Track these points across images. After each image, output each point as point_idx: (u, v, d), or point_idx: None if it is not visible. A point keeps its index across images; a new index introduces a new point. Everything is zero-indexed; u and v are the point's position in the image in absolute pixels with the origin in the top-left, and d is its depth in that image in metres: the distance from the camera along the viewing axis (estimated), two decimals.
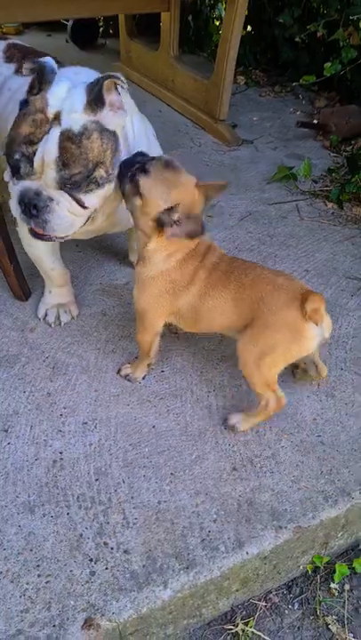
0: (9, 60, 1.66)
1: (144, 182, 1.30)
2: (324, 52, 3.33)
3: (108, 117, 1.31)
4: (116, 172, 1.36)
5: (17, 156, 1.28)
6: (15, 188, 1.33)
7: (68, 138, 1.26)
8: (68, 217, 1.33)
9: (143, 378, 1.60)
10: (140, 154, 1.37)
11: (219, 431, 1.47)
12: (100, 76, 1.28)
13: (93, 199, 1.34)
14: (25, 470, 1.36)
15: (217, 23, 4.15)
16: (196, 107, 3.07)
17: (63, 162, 1.26)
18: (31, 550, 1.21)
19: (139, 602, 1.14)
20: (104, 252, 2.11)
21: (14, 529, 1.24)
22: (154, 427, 1.48)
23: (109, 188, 1.36)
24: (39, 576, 1.17)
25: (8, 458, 1.38)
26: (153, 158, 1.34)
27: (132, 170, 1.32)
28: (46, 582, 1.16)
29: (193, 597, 1.20)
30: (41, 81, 1.30)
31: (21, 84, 1.58)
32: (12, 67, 1.64)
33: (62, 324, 1.77)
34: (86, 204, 1.33)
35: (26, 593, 1.14)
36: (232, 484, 1.35)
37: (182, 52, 3.35)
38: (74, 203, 1.32)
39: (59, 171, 1.27)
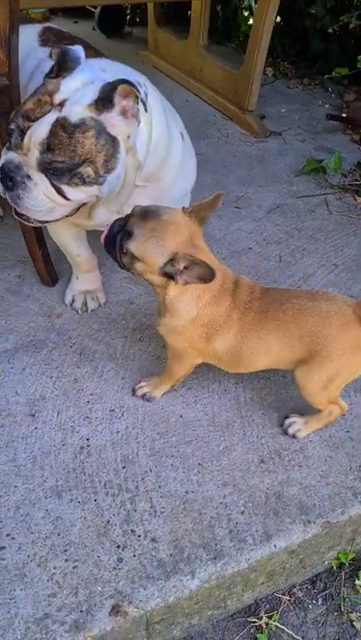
0: (44, 43, 1.65)
1: (134, 247, 1.22)
2: (355, 45, 3.28)
3: (114, 121, 1.28)
4: (108, 176, 1.31)
5: (12, 126, 1.28)
6: (3, 157, 1.33)
7: (61, 125, 1.24)
8: (43, 201, 1.31)
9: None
10: (116, 220, 1.29)
11: (246, 423, 1.46)
12: (119, 79, 1.26)
13: (78, 193, 1.31)
14: (52, 455, 1.35)
15: (245, 14, 4.10)
16: (224, 97, 3.04)
17: (48, 145, 1.24)
18: (59, 535, 1.21)
19: (166, 591, 1.13)
20: None
21: (42, 513, 1.24)
22: (181, 416, 1.47)
23: (99, 188, 1.32)
24: (66, 561, 1.16)
25: (35, 442, 1.38)
26: (128, 217, 1.26)
27: (117, 240, 1.25)
28: (73, 567, 1.16)
29: (219, 588, 1.19)
30: (60, 67, 1.29)
31: None
32: (47, 50, 1.63)
33: (89, 310, 1.76)
34: (68, 196, 1.31)
35: (53, 577, 1.14)
36: (260, 476, 1.34)
37: (210, 42, 3.31)
38: (52, 189, 1.29)
39: (42, 152, 1.25)
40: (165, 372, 1.46)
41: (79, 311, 1.76)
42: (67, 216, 1.39)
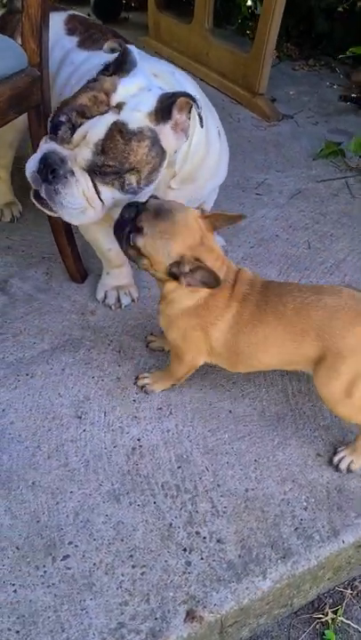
0: (71, 32, 1.59)
1: (142, 244, 1.20)
2: (359, 24, 3.22)
3: (167, 134, 1.25)
4: (146, 188, 1.29)
5: (62, 119, 1.23)
6: (43, 146, 1.26)
7: (119, 130, 1.20)
8: (80, 200, 1.26)
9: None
10: (129, 206, 1.25)
11: (298, 416, 1.43)
12: (179, 91, 1.22)
13: (109, 195, 1.27)
14: (105, 458, 1.32)
15: None
16: (232, 81, 2.98)
17: (103, 148, 1.20)
18: (122, 540, 1.17)
19: (239, 593, 1.10)
20: None
21: (102, 518, 1.21)
22: (230, 412, 1.44)
23: (132, 197, 1.29)
24: (133, 567, 1.14)
25: (86, 445, 1.34)
26: (141, 210, 1.22)
27: (126, 232, 1.22)
28: (142, 573, 1.13)
29: (290, 587, 1.17)
30: (119, 66, 1.24)
31: (86, 57, 1.52)
32: (75, 39, 1.57)
33: (123, 306, 1.72)
34: (101, 196, 1.27)
35: (122, 585, 1.11)
36: (318, 470, 1.31)
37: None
38: (92, 190, 1.25)
39: (95, 154, 1.21)
40: (168, 370, 1.43)
41: (113, 307, 1.72)
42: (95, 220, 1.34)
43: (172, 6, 3.69)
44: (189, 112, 1.24)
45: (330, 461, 1.32)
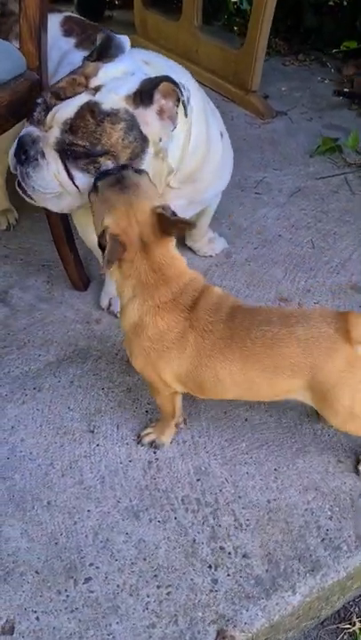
0: (67, 33, 1.54)
1: (93, 199, 1.14)
2: (349, 18, 3.20)
3: (149, 119, 1.20)
4: None
5: (39, 100, 1.21)
6: (22, 130, 1.25)
7: (90, 109, 1.16)
8: (52, 182, 1.22)
9: (171, 442, 1.34)
10: (121, 167, 1.18)
11: (315, 421, 1.40)
12: (162, 75, 1.17)
13: (85, 181, 1.22)
14: (121, 473, 1.28)
15: None
16: (224, 78, 2.94)
17: (72, 127, 1.16)
18: (145, 559, 1.14)
19: (270, 609, 1.07)
20: None
21: (122, 537, 1.17)
22: (246, 420, 1.40)
23: None
24: (159, 587, 1.10)
25: (101, 460, 1.30)
26: (109, 172, 1.15)
27: (93, 181, 1.16)
28: (167, 594, 1.09)
29: (319, 600, 1.14)
30: (101, 52, 1.20)
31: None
32: (72, 40, 1.53)
33: None
34: (77, 182, 1.22)
35: (148, 606, 1.07)
36: (340, 477, 1.28)
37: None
38: (64, 173, 1.21)
39: (63, 132, 1.17)
40: (160, 411, 1.32)
41: (118, 315, 1.67)
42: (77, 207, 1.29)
43: (159, 3, 3.64)
44: (178, 100, 1.19)
45: (353, 468, 1.29)
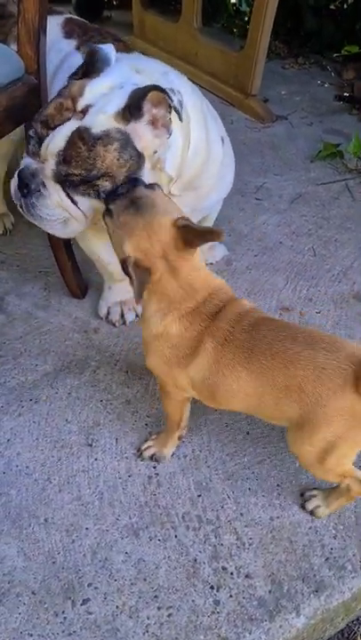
0: (68, 35, 1.51)
1: (109, 224, 1.10)
2: (349, 22, 3.17)
3: (141, 132, 1.17)
4: None
5: (31, 133, 1.19)
6: (21, 162, 1.24)
7: (80, 136, 1.14)
8: (57, 211, 1.23)
9: (172, 455, 1.31)
10: (129, 181, 1.16)
11: None
12: (149, 85, 1.14)
13: (91, 207, 1.22)
14: (120, 489, 1.25)
15: None
16: (223, 81, 2.91)
17: (65, 157, 1.15)
18: (145, 580, 1.11)
19: (273, 632, 1.04)
20: None
21: (121, 556, 1.14)
22: (248, 433, 1.37)
23: None
24: (159, 609, 1.07)
25: (99, 475, 1.27)
26: (131, 189, 1.11)
27: (106, 205, 1.13)
28: (168, 615, 1.06)
29: (323, 622, 1.11)
30: (87, 68, 1.18)
31: None
32: (73, 42, 1.49)
33: (127, 323, 1.65)
34: (81, 207, 1.22)
35: (149, 629, 1.04)
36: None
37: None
38: (67, 200, 1.20)
39: (57, 164, 1.16)
40: (166, 420, 1.30)
41: (117, 324, 1.64)
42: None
43: (157, 4, 3.61)
44: (170, 107, 1.16)
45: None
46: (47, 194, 1.21)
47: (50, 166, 1.18)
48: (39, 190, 1.21)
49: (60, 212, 1.23)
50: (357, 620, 1.27)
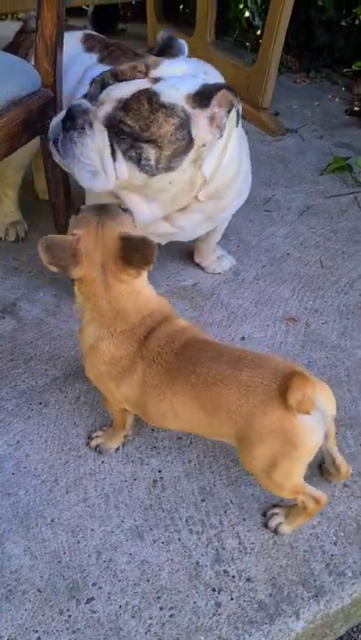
0: (89, 49, 1.56)
1: (70, 221, 1.13)
2: (360, 37, 3.22)
3: (200, 122, 1.21)
4: (162, 174, 1.24)
5: (97, 78, 1.21)
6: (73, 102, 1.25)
7: (148, 97, 1.16)
8: (92, 155, 1.21)
9: (117, 450, 1.35)
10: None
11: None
12: (223, 83, 1.20)
13: (125, 169, 1.22)
14: (125, 492, 1.28)
15: (240, 6, 4.01)
16: None
17: (125, 105, 1.16)
18: (148, 581, 1.13)
19: (273, 635, 1.06)
20: (165, 250, 2.02)
21: (126, 557, 1.16)
22: None
23: (145, 179, 1.23)
24: (162, 609, 1.09)
25: (105, 478, 1.30)
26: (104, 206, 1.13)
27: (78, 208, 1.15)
28: (170, 616, 1.08)
29: (323, 627, 1.13)
30: (164, 49, 1.24)
31: None
32: (95, 56, 1.54)
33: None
34: (115, 164, 1.22)
35: (151, 629, 1.06)
36: (346, 501, 1.28)
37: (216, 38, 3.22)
38: (108, 149, 1.20)
39: (115, 109, 1.17)
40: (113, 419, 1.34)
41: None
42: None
43: (171, 17, 3.67)
44: (228, 111, 1.20)
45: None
46: (91, 133, 1.19)
47: (105, 109, 1.18)
48: (84, 128, 1.19)
49: (96, 158, 1.21)
50: (358, 627, 1.28)
